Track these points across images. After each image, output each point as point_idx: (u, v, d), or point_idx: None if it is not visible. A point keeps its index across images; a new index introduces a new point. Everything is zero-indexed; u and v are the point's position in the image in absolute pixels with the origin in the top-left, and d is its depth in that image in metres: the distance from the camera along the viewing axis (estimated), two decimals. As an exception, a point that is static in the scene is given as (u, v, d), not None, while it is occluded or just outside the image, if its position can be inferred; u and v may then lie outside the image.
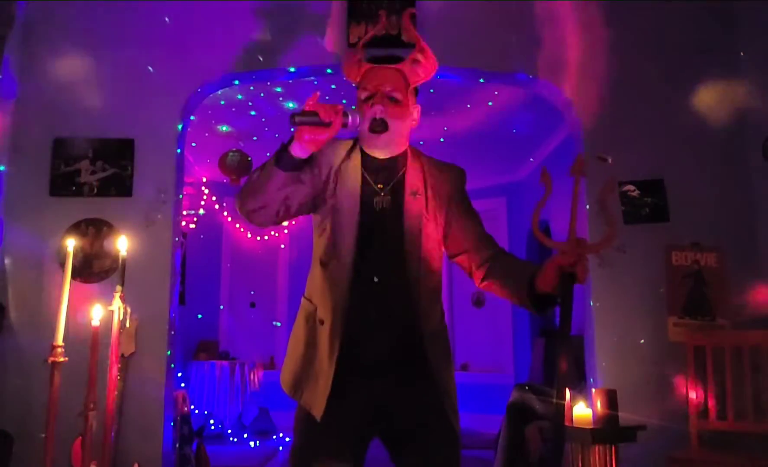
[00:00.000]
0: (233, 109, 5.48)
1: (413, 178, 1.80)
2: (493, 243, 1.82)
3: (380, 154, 1.78)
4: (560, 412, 1.68)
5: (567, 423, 2.74)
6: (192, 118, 3.79)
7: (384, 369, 1.73)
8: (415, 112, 1.84)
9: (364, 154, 1.79)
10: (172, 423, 3.40)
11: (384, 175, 1.79)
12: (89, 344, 2.11)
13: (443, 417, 1.73)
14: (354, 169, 1.78)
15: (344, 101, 1.74)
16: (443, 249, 1.85)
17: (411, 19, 1.95)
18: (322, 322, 1.73)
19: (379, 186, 1.78)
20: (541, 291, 1.63)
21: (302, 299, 1.86)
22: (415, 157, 1.85)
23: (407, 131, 1.81)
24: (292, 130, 1.56)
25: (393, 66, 1.79)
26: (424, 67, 1.81)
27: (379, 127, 1.71)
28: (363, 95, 1.77)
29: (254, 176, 1.67)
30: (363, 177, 1.78)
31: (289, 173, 1.62)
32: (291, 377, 1.79)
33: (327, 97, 1.64)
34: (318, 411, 1.67)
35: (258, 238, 7.66)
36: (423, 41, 1.84)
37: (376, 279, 1.72)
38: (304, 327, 1.80)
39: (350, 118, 1.59)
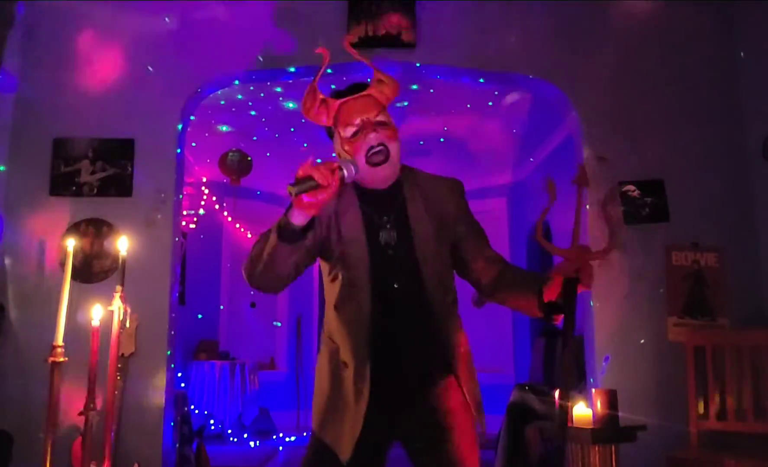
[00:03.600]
0: (233, 109, 5.48)
1: (415, 202, 1.76)
2: (500, 257, 1.82)
3: (383, 185, 1.72)
4: (564, 414, 1.69)
5: (567, 424, 2.74)
6: (192, 118, 3.79)
7: (411, 400, 1.72)
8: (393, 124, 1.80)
9: (358, 190, 1.73)
10: (172, 423, 3.40)
11: (384, 206, 1.74)
12: (89, 344, 2.11)
13: (468, 425, 1.75)
14: (354, 208, 1.73)
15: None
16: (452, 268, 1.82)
17: (350, 45, 1.83)
18: (346, 365, 1.70)
19: (383, 219, 1.73)
20: (550, 300, 1.63)
21: (323, 335, 1.82)
22: (410, 178, 1.80)
23: (400, 153, 1.76)
24: (291, 197, 1.48)
25: (364, 93, 1.73)
26: (388, 86, 1.75)
27: (381, 156, 1.66)
28: (349, 132, 1.69)
29: (256, 250, 1.60)
30: (364, 214, 1.73)
31: (294, 245, 1.56)
32: (318, 415, 1.75)
33: (319, 160, 1.65)
34: (345, 454, 1.64)
35: (258, 238, 7.65)
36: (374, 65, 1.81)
37: (397, 321, 1.69)
38: (328, 367, 1.75)
39: (345, 171, 1.53)
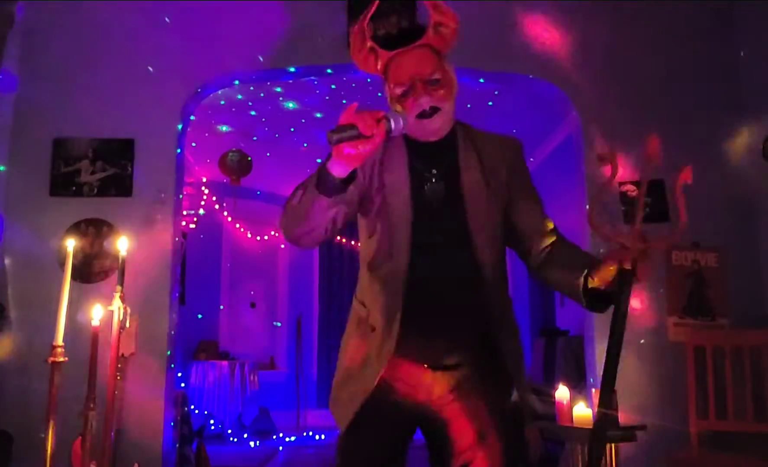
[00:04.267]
0: (233, 109, 5.47)
1: (468, 157, 1.60)
2: (554, 228, 1.65)
3: (433, 137, 1.58)
4: (604, 422, 1.43)
5: (567, 423, 2.74)
6: (192, 118, 3.79)
7: (442, 377, 1.57)
8: (453, 72, 1.60)
9: (408, 140, 1.58)
10: (172, 423, 3.40)
11: (434, 159, 1.59)
12: (89, 344, 2.11)
13: (509, 417, 1.57)
14: (400, 158, 1.59)
15: (345, 103, 1.56)
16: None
17: None
18: (373, 329, 1.57)
19: (432, 172, 1.58)
20: (595, 288, 1.45)
21: (353, 301, 1.69)
22: (465, 132, 1.64)
23: (454, 105, 1.59)
24: (330, 146, 1.34)
25: (418, 44, 1.54)
26: (447, 27, 1.55)
27: (430, 113, 1.52)
28: (398, 91, 1.54)
29: (294, 201, 1.45)
30: (411, 166, 1.58)
31: (333, 197, 1.40)
32: (334, 388, 1.64)
33: (369, 104, 1.54)
34: (344, 421, 1.54)
35: (258, 238, 7.66)
36: None
37: (436, 278, 1.54)
38: (356, 334, 1.63)
39: (392, 122, 1.35)
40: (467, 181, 1.57)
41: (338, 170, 1.36)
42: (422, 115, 1.51)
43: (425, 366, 1.57)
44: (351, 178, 1.39)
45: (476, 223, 1.55)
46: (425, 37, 1.55)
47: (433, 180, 1.58)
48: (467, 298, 1.56)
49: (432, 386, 1.57)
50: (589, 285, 1.45)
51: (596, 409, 1.41)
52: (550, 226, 1.64)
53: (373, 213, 1.58)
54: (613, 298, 1.42)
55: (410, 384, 1.58)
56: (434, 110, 1.52)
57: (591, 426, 2.61)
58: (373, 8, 1.59)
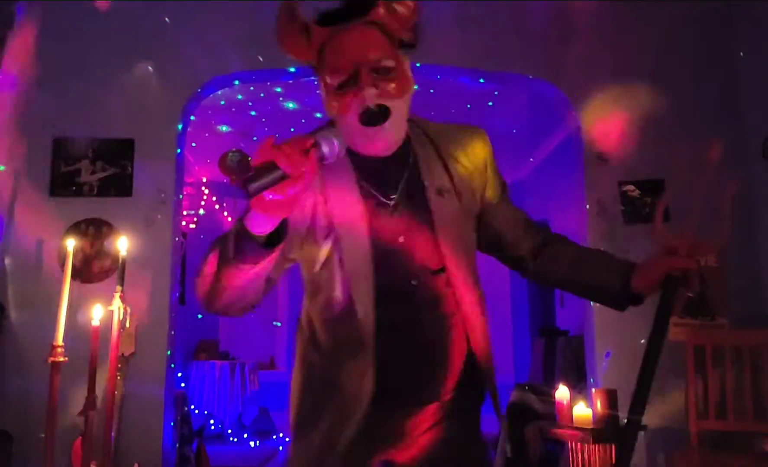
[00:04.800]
0: (233, 109, 5.47)
1: (432, 168, 1.29)
2: (539, 223, 1.45)
3: (382, 154, 1.25)
4: (632, 433, 1.27)
5: (567, 423, 2.74)
6: (192, 118, 3.79)
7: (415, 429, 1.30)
8: (408, 70, 1.26)
9: (352, 156, 1.23)
10: (172, 423, 3.40)
11: (391, 178, 1.27)
12: (89, 344, 2.11)
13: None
14: (347, 186, 1.23)
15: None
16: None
17: None
18: (335, 389, 1.26)
19: (391, 196, 1.25)
20: (637, 291, 1.30)
21: (299, 338, 1.37)
22: (420, 133, 1.32)
23: (409, 105, 1.26)
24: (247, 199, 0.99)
25: (365, 20, 1.20)
26: (404, 4, 1.23)
27: (379, 117, 1.18)
28: (336, 80, 1.19)
29: (208, 269, 1.10)
30: (363, 193, 1.24)
31: (257, 264, 1.06)
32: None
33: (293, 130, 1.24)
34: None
35: (258, 238, 7.65)
36: None
37: (410, 321, 1.25)
38: (310, 390, 1.35)
39: (325, 147, 1.03)
40: (436, 201, 1.27)
41: (262, 227, 1.03)
42: (368, 119, 1.18)
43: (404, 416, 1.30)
44: (280, 233, 1.05)
45: (450, 247, 1.26)
46: (374, 12, 1.20)
47: (393, 205, 1.25)
48: (445, 339, 1.28)
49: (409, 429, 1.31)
50: (632, 291, 1.30)
51: (626, 416, 1.31)
52: (534, 221, 1.44)
53: (320, 262, 1.24)
54: (659, 307, 1.27)
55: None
56: (383, 112, 1.18)
57: (591, 426, 2.61)
58: None
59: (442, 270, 1.26)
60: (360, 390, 1.21)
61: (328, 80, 1.21)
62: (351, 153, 1.22)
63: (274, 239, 1.05)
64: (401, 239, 1.24)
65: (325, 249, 1.23)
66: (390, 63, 1.20)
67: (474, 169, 1.33)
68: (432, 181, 1.27)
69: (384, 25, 1.21)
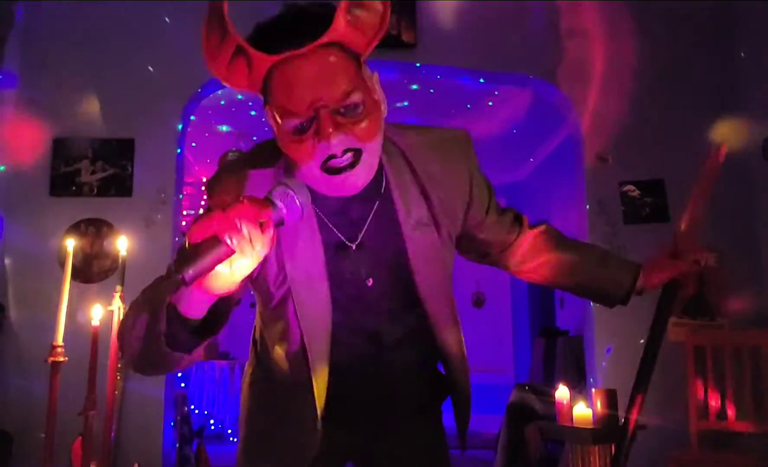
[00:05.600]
0: (233, 109, 5.48)
1: (408, 195, 1.08)
2: (515, 212, 1.31)
3: (348, 193, 1.02)
4: (632, 429, 1.34)
5: (567, 423, 2.74)
6: (192, 118, 3.79)
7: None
8: (379, 89, 1.02)
9: (311, 191, 0.95)
10: (172, 423, 3.40)
11: (358, 214, 1.07)
12: (89, 344, 2.11)
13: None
14: (307, 228, 1.05)
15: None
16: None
17: None
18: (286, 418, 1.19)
19: (358, 235, 1.07)
20: (641, 286, 1.29)
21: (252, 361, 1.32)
22: (394, 151, 1.09)
23: (381, 133, 1.02)
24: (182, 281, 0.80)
25: (321, 41, 0.92)
26: (369, 9, 0.94)
27: (347, 165, 0.96)
28: (289, 125, 0.95)
29: (135, 333, 0.93)
30: (324, 236, 1.06)
31: (191, 351, 0.92)
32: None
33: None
34: None
35: (258, 238, 7.65)
36: None
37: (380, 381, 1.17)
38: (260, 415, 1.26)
39: (283, 206, 0.85)
40: (412, 238, 1.08)
41: (198, 309, 0.88)
42: (334, 170, 0.95)
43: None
44: (222, 310, 0.91)
45: (427, 285, 1.11)
46: (332, 31, 0.92)
47: (358, 244, 1.07)
48: (410, 376, 1.21)
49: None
50: (636, 290, 1.29)
51: (624, 415, 1.31)
52: (512, 213, 1.29)
53: (272, 305, 1.11)
54: (658, 309, 1.28)
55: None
56: (353, 160, 0.95)
57: (591, 426, 2.61)
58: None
59: (416, 305, 1.12)
60: (308, 430, 1.12)
61: (279, 121, 0.96)
62: (312, 191, 0.95)
63: (209, 325, 0.89)
64: (369, 282, 1.09)
65: (277, 296, 1.09)
66: (357, 97, 0.94)
67: (457, 188, 1.14)
68: (408, 215, 1.08)
69: (344, 45, 0.94)
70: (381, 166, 1.07)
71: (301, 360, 1.10)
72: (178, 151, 3.52)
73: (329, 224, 1.07)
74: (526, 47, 3.61)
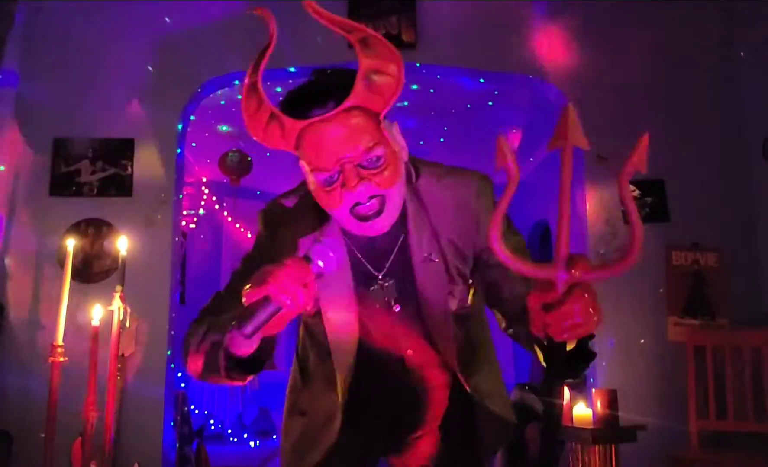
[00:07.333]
0: (233, 109, 5.47)
1: (419, 229, 1.21)
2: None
3: (376, 233, 1.17)
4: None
5: (567, 423, 2.74)
6: (192, 118, 3.79)
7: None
8: (399, 137, 1.16)
9: (346, 231, 1.20)
10: (172, 423, 3.40)
11: (381, 243, 1.21)
12: (89, 344, 2.11)
13: None
14: (337, 257, 1.11)
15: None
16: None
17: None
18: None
19: (382, 267, 1.23)
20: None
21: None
22: (412, 195, 1.23)
23: (402, 178, 1.17)
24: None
25: (343, 107, 1.05)
26: (385, 75, 1.07)
27: (373, 210, 1.11)
28: (320, 178, 1.10)
29: (192, 366, 1.15)
30: (354, 267, 1.23)
31: (245, 380, 1.13)
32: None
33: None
34: None
35: (258, 238, 7.66)
36: (365, 28, 1.08)
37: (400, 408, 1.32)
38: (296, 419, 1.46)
39: (320, 260, 1.02)
40: (419, 265, 1.21)
41: (248, 348, 1.04)
42: (362, 217, 1.11)
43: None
44: (268, 342, 1.08)
45: (436, 321, 1.24)
46: (353, 95, 1.05)
47: (380, 275, 1.23)
48: (429, 395, 1.32)
49: None
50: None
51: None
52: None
53: (303, 333, 1.37)
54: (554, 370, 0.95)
55: None
56: (378, 205, 1.11)
57: (591, 426, 2.61)
58: (269, 51, 1.13)
59: (435, 340, 1.26)
60: (328, 430, 1.30)
61: (310, 175, 1.13)
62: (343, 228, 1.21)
63: (256, 361, 1.07)
64: (397, 308, 1.24)
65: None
66: (378, 151, 1.09)
67: (465, 232, 1.22)
68: (419, 246, 1.21)
69: (364, 107, 1.07)
70: (405, 210, 1.21)
71: (330, 374, 1.29)
72: (178, 151, 3.51)
73: (358, 255, 1.23)
74: (526, 47, 3.61)
